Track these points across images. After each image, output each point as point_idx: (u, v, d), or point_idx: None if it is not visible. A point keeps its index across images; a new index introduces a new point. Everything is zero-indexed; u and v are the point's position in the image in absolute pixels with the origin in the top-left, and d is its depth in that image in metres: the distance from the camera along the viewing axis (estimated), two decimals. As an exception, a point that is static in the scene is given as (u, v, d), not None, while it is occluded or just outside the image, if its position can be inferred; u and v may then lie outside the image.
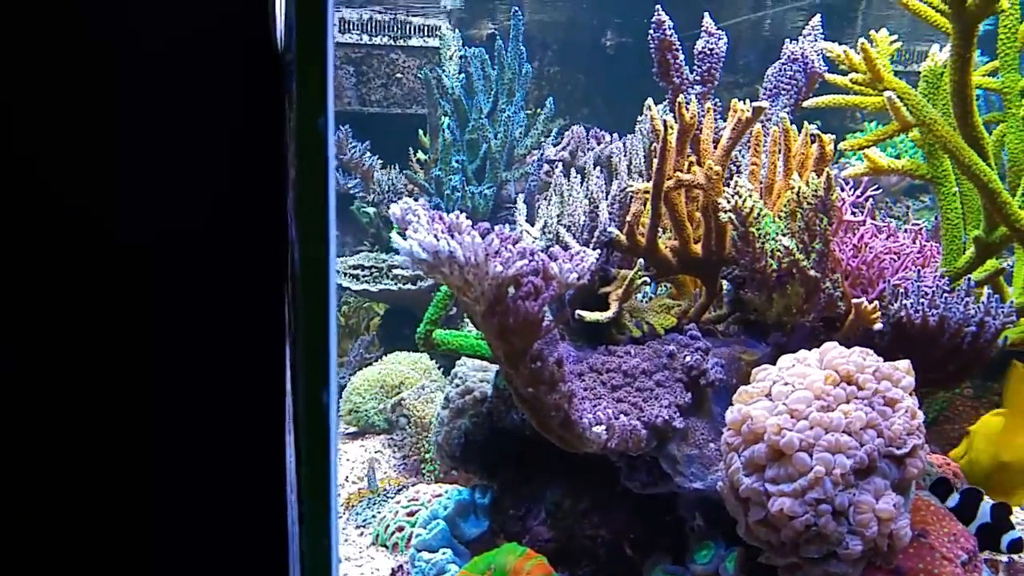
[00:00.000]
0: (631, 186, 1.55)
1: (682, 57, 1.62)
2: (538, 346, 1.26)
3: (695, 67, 1.63)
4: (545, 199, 1.67)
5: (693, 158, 1.56)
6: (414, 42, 4.27)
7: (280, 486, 0.59)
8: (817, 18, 1.76)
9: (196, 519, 0.56)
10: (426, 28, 4.26)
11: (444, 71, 3.44)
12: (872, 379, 1.25)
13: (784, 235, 1.44)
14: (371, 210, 3.85)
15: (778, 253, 1.42)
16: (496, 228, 1.25)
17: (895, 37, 1.71)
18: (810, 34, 1.74)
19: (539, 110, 3.46)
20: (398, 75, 4.21)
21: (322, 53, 0.58)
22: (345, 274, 3.22)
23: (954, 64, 1.38)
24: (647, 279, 1.52)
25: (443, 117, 3.44)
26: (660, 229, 1.58)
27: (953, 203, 1.55)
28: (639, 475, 1.44)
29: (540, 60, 4.78)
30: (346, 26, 4.23)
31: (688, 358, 1.45)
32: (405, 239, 1.15)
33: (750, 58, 4.71)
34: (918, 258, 1.68)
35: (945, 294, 1.43)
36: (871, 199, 1.80)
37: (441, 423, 1.65)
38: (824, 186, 1.43)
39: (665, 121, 1.46)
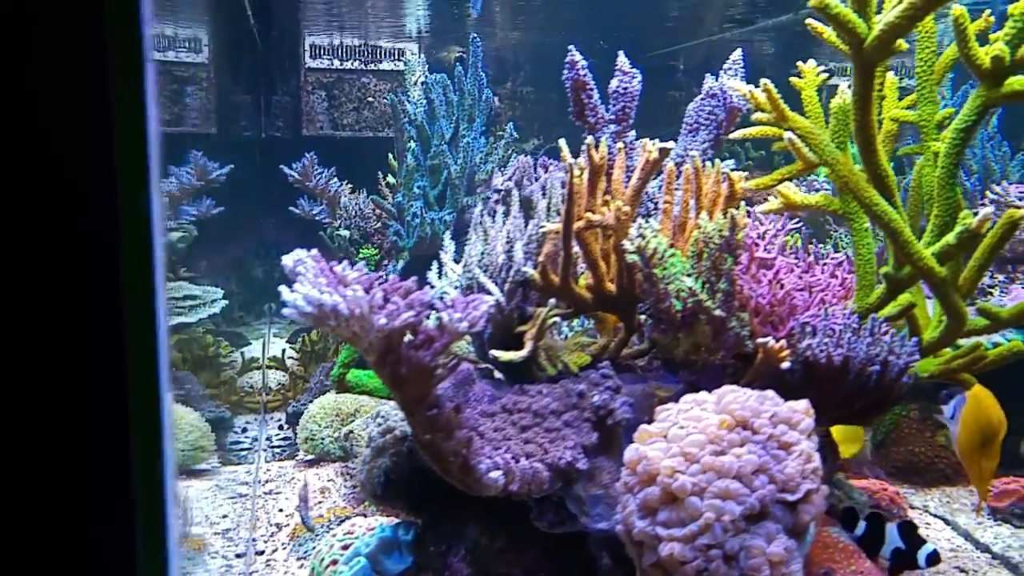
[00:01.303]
0: (544, 226, 1.56)
1: (596, 96, 1.64)
2: (435, 393, 1.27)
3: (610, 105, 1.65)
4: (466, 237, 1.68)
5: (608, 197, 1.58)
6: (385, 66, 4.32)
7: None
8: (738, 52, 1.77)
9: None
10: (396, 52, 4.30)
11: (408, 96, 3.47)
12: (767, 424, 1.26)
13: (689, 275, 1.45)
14: (345, 233, 3.87)
15: (682, 294, 1.44)
16: (391, 277, 1.27)
17: (822, 69, 1.73)
18: (730, 68, 1.75)
19: (502, 131, 3.48)
20: (369, 99, 4.25)
21: (139, 127, 0.59)
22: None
23: (856, 104, 1.39)
24: (558, 318, 1.53)
25: (409, 142, 3.47)
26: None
27: (865, 239, 1.56)
28: (547, 515, 1.45)
29: (514, 80, 4.82)
30: (317, 51, 4.28)
31: (596, 398, 1.46)
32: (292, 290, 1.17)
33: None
34: (840, 291, 1.70)
35: (851, 333, 1.43)
36: (802, 229, 1.81)
37: (364, 462, 1.66)
38: (728, 226, 1.44)
39: (570, 164, 1.47)
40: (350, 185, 3.93)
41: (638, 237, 1.43)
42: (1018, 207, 2.83)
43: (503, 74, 4.81)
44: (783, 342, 1.45)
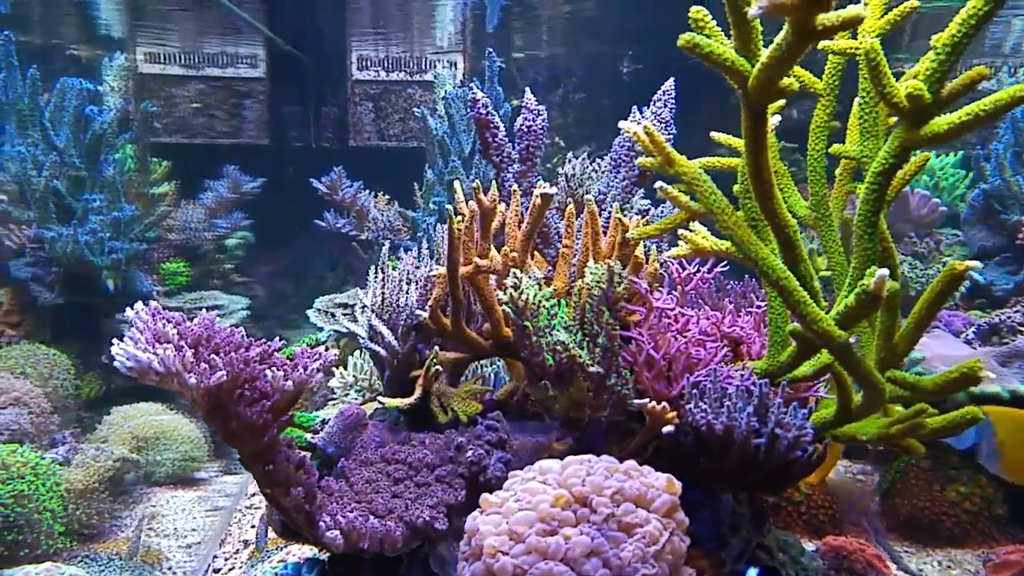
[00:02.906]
0: (435, 271, 1.52)
1: (502, 134, 1.57)
2: (271, 449, 1.26)
3: (516, 143, 1.58)
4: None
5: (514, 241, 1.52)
6: (430, 76, 4.33)
7: None
8: (670, 82, 1.66)
9: None
10: (440, 63, 4.30)
11: (434, 111, 3.46)
12: (608, 503, 1.17)
13: (568, 327, 1.37)
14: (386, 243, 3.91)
15: (558, 348, 1.36)
16: (229, 331, 1.27)
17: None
18: (659, 100, 1.64)
19: (552, 142, 3.39)
20: (415, 109, 4.28)
21: None
22: (326, 312, 3.30)
23: (747, 148, 1.27)
24: (439, 366, 1.49)
25: (438, 157, 3.47)
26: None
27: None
28: (415, 572, 1.41)
29: (565, 87, 4.74)
30: (364, 63, 4.34)
31: (471, 453, 1.41)
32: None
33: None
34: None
35: (740, 399, 1.32)
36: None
37: (269, 498, 1.67)
38: (606, 278, 1.35)
39: (449, 210, 1.42)
40: (387, 196, 3.97)
41: (511, 287, 1.37)
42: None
43: (555, 81, 4.73)
44: (664, 404, 1.35)
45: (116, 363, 1.20)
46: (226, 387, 1.19)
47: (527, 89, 1.57)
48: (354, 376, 1.79)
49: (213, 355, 1.18)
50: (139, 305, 1.26)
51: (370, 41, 4.31)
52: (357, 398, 1.81)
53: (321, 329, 1.96)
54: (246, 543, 2.29)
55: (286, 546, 2.09)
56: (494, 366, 1.82)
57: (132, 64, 4.06)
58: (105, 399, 2.94)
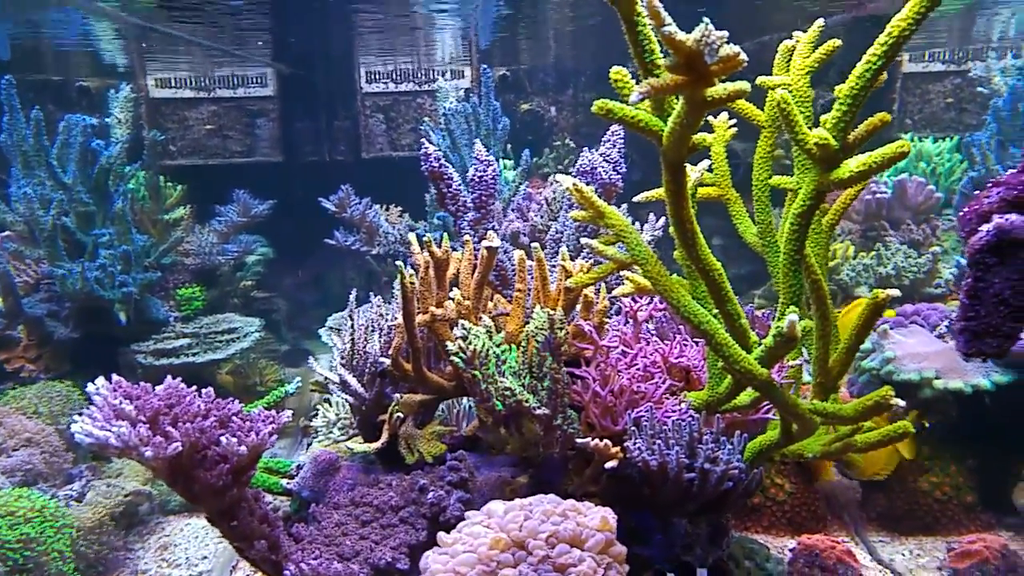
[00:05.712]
0: (395, 320, 1.59)
1: (456, 183, 1.62)
2: (232, 507, 1.34)
3: (470, 192, 1.63)
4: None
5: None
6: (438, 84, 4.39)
7: None
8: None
9: None
10: (447, 72, 4.36)
11: (433, 125, 3.51)
12: (543, 546, 1.24)
13: (514, 373, 1.43)
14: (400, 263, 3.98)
15: (506, 394, 1.42)
16: (190, 397, 1.35)
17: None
18: (608, 140, 1.68)
19: (562, 144, 3.39)
20: (425, 118, 4.34)
21: None
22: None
23: (668, 199, 1.30)
24: (400, 413, 1.55)
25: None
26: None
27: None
28: (384, 608, 1.48)
29: (575, 87, 4.75)
30: (373, 76, 4.41)
31: (432, 494, 1.48)
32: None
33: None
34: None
35: (672, 435, 1.36)
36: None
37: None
38: (547, 325, 1.40)
39: (400, 266, 1.49)
40: (399, 208, 4.04)
41: (459, 338, 1.42)
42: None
43: (563, 81, 4.75)
44: (607, 442, 1.40)
45: (76, 439, 1.29)
46: (185, 454, 1.28)
47: (477, 141, 1.62)
48: (336, 415, 1.87)
49: (170, 426, 1.26)
50: (100, 381, 1.34)
51: (377, 55, 4.38)
52: (341, 436, 1.89)
53: (289, 382, 2.02)
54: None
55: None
56: (469, 399, 1.88)
57: (139, 93, 4.18)
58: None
